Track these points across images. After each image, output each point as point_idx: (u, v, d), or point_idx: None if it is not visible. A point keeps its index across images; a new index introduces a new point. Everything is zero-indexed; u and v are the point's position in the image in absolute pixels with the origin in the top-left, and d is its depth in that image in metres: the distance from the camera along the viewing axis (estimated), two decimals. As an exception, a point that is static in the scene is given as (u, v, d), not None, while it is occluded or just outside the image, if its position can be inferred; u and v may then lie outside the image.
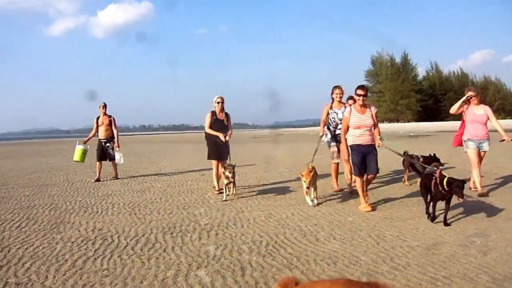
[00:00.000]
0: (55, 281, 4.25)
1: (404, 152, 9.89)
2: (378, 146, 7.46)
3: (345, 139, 7.59)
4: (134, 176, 12.75)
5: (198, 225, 6.42)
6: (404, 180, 10.05)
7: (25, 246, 5.47)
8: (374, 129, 7.53)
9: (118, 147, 12.21)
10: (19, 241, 5.75)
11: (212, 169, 9.62)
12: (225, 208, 7.59)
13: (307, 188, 7.52)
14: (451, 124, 58.34)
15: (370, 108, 7.46)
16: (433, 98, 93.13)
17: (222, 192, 8.66)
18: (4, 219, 7.14)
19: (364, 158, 7.33)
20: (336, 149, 9.04)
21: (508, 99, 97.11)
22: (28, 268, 4.64)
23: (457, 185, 5.94)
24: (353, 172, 7.68)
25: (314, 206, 7.58)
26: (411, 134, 39.68)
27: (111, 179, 12.11)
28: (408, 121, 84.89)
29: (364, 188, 7.46)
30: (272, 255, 4.92)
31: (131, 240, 5.68)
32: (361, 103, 7.33)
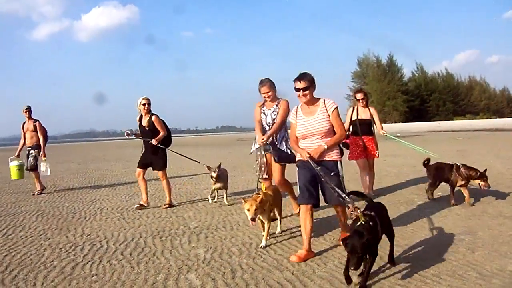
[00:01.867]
0: None
1: (426, 161, 8.24)
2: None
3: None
4: (122, 180, 12.67)
5: (187, 229, 6.39)
6: (430, 194, 8.01)
7: (12, 253, 5.39)
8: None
9: (44, 156, 10.57)
10: (6, 248, 5.67)
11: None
12: (214, 211, 7.57)
13: (253, 220, 5.07)
14: (437, 124, 59.05)
15: (325, 105, 5.08)
16: (419, 99, 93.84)
17: (143, 207, 8.18)
18: (-10, 226, 7.05)
19: (315, 180, 5.03)
20: (265, 160, 6.69)
21: (493, 99, 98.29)
22: (15, 275, 4.58)
23: None
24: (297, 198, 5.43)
25: (263, 248, 5.32)
26: (398, 134, 39.79)
27: (34, 194, 10.56)
28: (395, 122, 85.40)
29: (309, 232, 4.95)
30: (262, 257, 4.91)
31: (120, 244, 5.64)
32: (304, 100, 5.07)
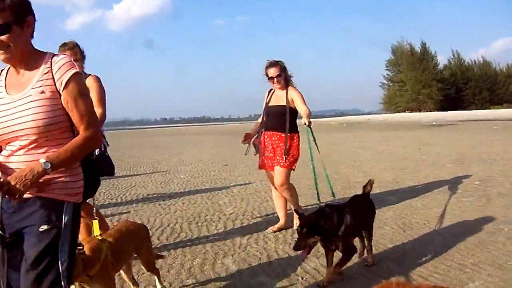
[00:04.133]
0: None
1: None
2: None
3: None
4: (157, 167, 12.82)
5: (223, 215, 6.42)
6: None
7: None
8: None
9: None
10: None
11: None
12: (250, 198, 7.57)
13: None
14: (474, 113, 57.90)
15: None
16: (455, 87, 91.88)
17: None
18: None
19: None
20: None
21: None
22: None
23: None
24: None
25: None
26: (434, 123, 39.19)
27: None
28: (430, 111, 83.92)
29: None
30: (298, 243, 4.89)
31: (156, 230, 5.70)
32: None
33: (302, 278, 3.90)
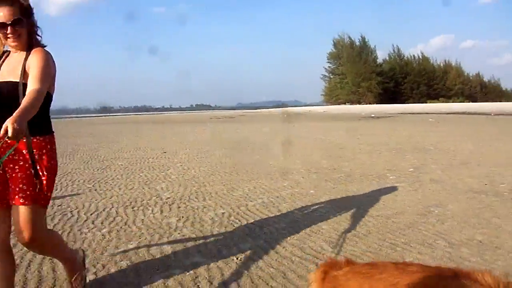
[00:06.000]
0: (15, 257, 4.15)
1: None
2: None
3: None
4: (94, 155, 12.53)
5: (159, 199, 6.37)
6: None
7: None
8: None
9: None
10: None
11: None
12: (187, 184, 7.54)
13: None
14: (411, 107, 59.72)
15: None
16: (394, 81, 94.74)
17: None
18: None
19: None
20: None
21: (467, 84, 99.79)
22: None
23: None
24: None
25: None
26: (373, 115, 40.20)
27: None
28: (370, 103, 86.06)
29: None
30: (234, 226, 4.94)
31: (91, 214, 5.58)
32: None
33: (237, 258, 3.94)
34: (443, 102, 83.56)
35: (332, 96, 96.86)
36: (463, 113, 40.77)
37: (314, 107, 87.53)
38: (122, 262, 3.91)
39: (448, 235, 4.45)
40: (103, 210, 5.82)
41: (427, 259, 3.81)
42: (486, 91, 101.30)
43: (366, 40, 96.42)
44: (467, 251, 4.00)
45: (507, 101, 79.05)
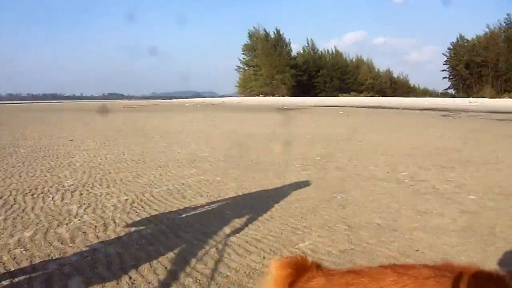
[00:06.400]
0: None
1: None
2: None
3: None
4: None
5: (61, 187, 6.20)
6: None
7: None
8: None
9: None
10: None
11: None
12: (92, 171, 7.38)
13: None
14: (323, 100, 61.41)
15: None
16: (307, 74, 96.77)
17: None
18: None
19: None
20: None
21: (377, 79, 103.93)
22: None
23: None
24: None
25: None
26: (285, 107, 40.97)
27: None
28: (283, 95, 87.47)
29: None
30: (137, 212, 4.92)
31: (-14, 202, 5.34)
32: None
33: (137, 243, 3.94)
34: (354, 96, 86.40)
35: (247, 88, 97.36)
36: (373, 107, 42.49)
37: (229, 98, 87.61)
38: (15, 250, 3.78)
39: (349, 219, 4.70)
40: (0, 198, 5.58)
41: (326, 241, 4.01)
42: (395, 86, 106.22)
43: (281, 33, 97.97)
44: (365, 233, 4.24)
45: (415, 97, 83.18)
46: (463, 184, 6.44)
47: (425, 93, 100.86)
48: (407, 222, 4.60)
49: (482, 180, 6.73)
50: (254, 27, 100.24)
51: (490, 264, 3.46)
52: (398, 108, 38.31)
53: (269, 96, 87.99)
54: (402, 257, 3.60)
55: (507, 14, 74.38)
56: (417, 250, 3.77)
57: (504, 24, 75.38)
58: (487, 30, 78.79)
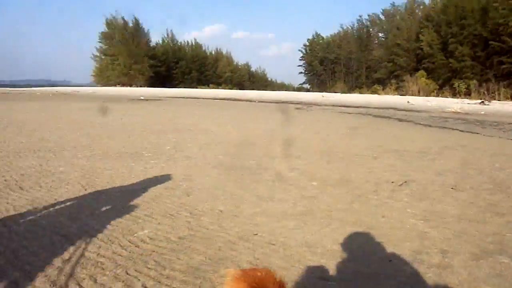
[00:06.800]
0: None
1: None
2: None
3: None
4: None
5: None
6: None
7: None
8: None
9: None
10: None
11: None
12: None
13: None
14: (181, 91, 61.35)
15: None
16: (166, 65, 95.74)
17: None
18: None
19: None
20: None
21: (236, 72, 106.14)
22: None
23: None
24: None
25: None
26: (142, 98, 40.25)
27: None
28: (141, 86, 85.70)
29: None
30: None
31: None
32: None
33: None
34: (213, 88, 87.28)
35: (103, 77, 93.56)
36: (229, 99, 43.23)
37: (84, 87, 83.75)
38: None
39: (192, 206, 4.88)
40: None
41: (166, 228, 4.13)
42: (253, 80, 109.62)
43: (140, 22, 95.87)
44: (207, 219, 4.44)
45: (271, 90, 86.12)
46: (307, 171, 6.89)
47: (282, 87, 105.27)
48: (249, 208, 4.91)
49: (325, 167, 7.26)
50: (111, 15, 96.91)
51: (325, 243, 3.78)
52: (255, 101, 39.41)
53: (127, 86, 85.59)
54: (241, 241, 3.82)
55: (360, 16, 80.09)
56: (255, 234, 4.03)
57: (356, 25, 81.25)
58: (341, 29, 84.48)
